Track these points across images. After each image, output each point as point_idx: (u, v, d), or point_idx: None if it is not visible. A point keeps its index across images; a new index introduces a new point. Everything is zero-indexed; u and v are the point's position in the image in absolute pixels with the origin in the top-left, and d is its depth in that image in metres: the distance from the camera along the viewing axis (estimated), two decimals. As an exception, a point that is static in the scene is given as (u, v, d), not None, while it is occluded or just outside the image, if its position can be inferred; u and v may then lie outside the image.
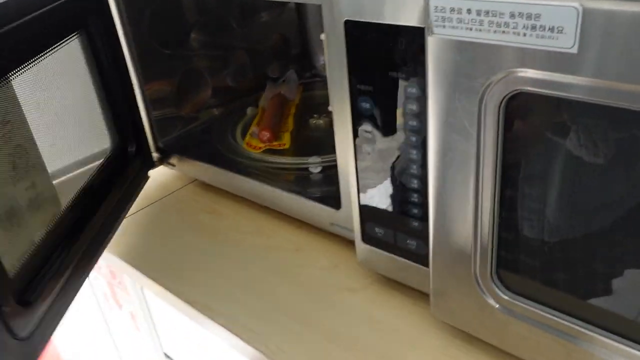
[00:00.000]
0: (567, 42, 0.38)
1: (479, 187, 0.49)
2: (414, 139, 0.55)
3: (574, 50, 0.38)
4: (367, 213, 0.64)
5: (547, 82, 0.40)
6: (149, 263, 0.78)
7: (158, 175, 0.99)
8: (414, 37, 0.49)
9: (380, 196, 0.62)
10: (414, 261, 0.62)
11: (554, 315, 0.50)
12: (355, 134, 0.60)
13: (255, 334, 0.64)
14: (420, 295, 0.66)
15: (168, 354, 0.97)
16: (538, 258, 0.50)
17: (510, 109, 0.44)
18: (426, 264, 0.61)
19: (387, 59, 0.53)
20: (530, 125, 0.45)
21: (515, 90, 0.43)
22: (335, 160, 0.66)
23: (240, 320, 0.66)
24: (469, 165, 0.48)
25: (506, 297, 0.52)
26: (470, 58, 0.44)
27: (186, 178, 0.98)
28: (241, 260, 0.77)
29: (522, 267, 0.51)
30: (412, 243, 0.61)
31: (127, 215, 0.86)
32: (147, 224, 0.88)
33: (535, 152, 0.45)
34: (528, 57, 0.40)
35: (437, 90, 0.47)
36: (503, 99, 0.44)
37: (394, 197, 0.60)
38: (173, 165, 0.94)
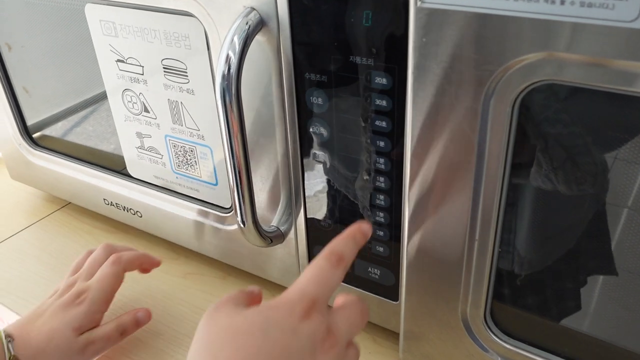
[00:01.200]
0: (628, 13, 0.27)
1: (477, 206, 0.37)
2: (382, 144, 0.42)
3: (637, 24, 0.27)
4: (315, 232, 0.51)
5: (590, 70, 0.29)
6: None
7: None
8: (389, 7, 0.37)
9: (331, 213, 0.49)
10: (376, 294, 0.50)
11: (566, 367, 0.39)
12: (303, 133, 0.46)
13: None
14: (383, 331, 0.54)
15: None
16: (550, 295, 0.39)
17: (527, 106, 0.33)
18: (393, 298, 0.49)
19: (346, 39, 0.40)
20: (553, 129, 0.33)
21: (540, 81, 0.31)
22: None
23: None
24: (464, 178, 0.37)
25: (507, 346, 0.41)
26: (477, 37, 0.32)
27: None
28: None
29: (528, 306, 0.40)
30: (374, 272, 0.49)
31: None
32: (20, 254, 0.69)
33: (560, 163, 0.34)
34: (564, 34, 0.29)
35: (422, 81, 0.35)
36: (520, 94, 0.32)
37: (351, 215, 0.47)
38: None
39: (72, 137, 0.69)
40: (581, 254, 0.38)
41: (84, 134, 0.68)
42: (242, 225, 0.48)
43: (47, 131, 0.72)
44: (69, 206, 0.78)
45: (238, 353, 0.31)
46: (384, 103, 0.40)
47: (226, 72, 0.42)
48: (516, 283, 0.40)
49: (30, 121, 0.72)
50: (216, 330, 0.33)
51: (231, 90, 0.42)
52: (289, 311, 0.33)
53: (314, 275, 0.35)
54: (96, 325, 0.53)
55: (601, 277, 0.38)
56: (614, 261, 0.36)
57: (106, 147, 0.65)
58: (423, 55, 0.34)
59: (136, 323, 0.55)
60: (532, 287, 0.41)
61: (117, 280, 0.55)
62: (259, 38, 0.44)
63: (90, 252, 0.58)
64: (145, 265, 0.59)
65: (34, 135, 0.73)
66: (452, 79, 0.33)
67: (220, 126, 0.43)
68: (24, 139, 0.72)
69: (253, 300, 0.38)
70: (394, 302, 0.49)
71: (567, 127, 0.33)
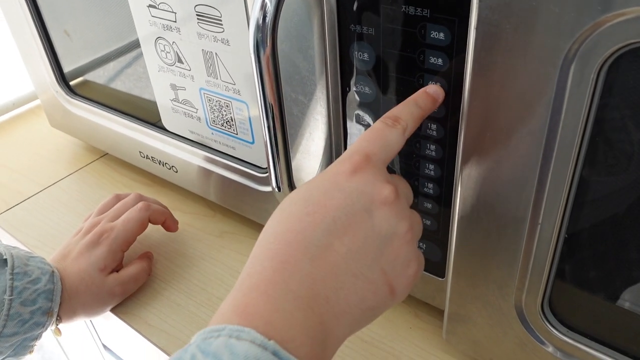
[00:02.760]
0: None
1: (543, 187, 0.32)
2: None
3: None
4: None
5: None
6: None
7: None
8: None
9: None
10: (420, 268, 0.46)
11: (634, 368, 0.35)
12: (346, 92, 0.42)
13: None
14: (425, 306, 0.50)
15: (107, 346, 0.81)
16: (619, 283, 0.34)
17: (617, 74, 0.27)
18: (439, 274, 0.45)
19: (400, -15, 0.34)
20: (646, 101, 0.27)
21: (637, 42, 0.25)
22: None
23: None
24: (530, 154, 0.31)
25: (565, 338, 0.37)
26: (560, -15, 0.26)
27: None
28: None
29: (592, 295, 0.36)
30: (420, 245, 0.45)
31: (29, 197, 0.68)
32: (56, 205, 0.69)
33: (649, 145, 0.28)
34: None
35: (486, 38, 0.29)
36: (608, 58, 0.26)
37: (396, 185, 0.43)
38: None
39: (109, 85, 0.67)
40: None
41: (120, 83, 0.65)
42: (276, 190, 0.44)
43: (85, 79, 0.69)
44: (107, 156, 0.77)
45: (284, 225, 0.30)
46: (439, 62, 0.35)
47: (261, 21, 0.37)
48: (580, 271, 0.35)
49: (68, 67, 0.70)
50: (275, 213, 0.31)
51: (266, 42, 0.37)
52: (336, 170, 0.31)
53: (367, 134, 0.33)
54: (119, 263, 0.53)
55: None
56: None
57: (142, 97, 0.62)
58: (489, 7, 0.28)
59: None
60: (598, 274, 0.36)
61: (141, 225, 0.55)
62: (299, -17, 0.39)
63: (118, 196, 0.58)
64: (169, 223, 0.58)
65: (72, 83, 0.71)
66: (524, 38, 0.28)
67: (254, 81, 0.39)
68: (60, 86, 0.70)
69: None
70: (440, 279, 0.45)
71: (663, 98, 0.28)
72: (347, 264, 0.29)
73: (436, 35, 0.34)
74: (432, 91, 0.35)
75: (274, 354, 0.25)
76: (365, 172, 0.31)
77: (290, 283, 0.28)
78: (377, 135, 0.32)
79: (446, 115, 0.37)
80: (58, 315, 0.49)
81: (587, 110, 0.28)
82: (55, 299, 0.48)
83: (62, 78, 0.70)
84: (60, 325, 0.51)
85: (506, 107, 0.31)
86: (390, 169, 0.43)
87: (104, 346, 0.81)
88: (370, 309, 0.30)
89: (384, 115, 0.34)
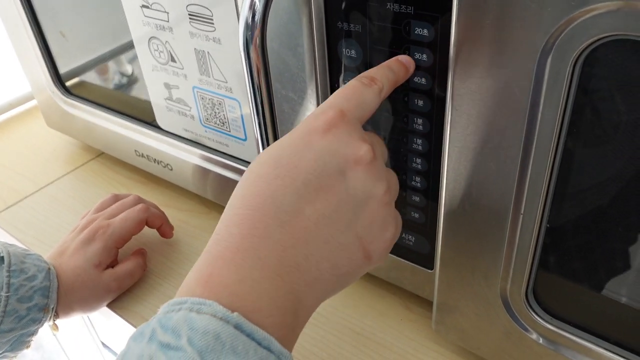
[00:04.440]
0: None
1: (524, 177, 0.33)
2: (420, 102, 0.38)
3: None
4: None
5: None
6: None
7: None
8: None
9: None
10: (410, 260, 0.47)
11: (617, 352, 0.36)
12: (335, 88, 0.43)
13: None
14: (416, 298, 0.51)
15: (106, 344, 0.82)
16: (601, 272, 0.35)
17: (591, 66, 0.28)
18: (427, 266, 0.46)
19: (384, -17, 0.35)
20: (618, 92, 0.28)
21: (610, 35, 0.26)
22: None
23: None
24: (511, 146, 0.32)
25: (549, 326, 0.37)
26: (535, -19, 0.27)
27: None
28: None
29: (574, 283, 0.37)
30: (409, 238, 0.46)
31: (27, 196, 0.69)
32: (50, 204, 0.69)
33: (624, 130, 0.29)
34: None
35: (467, 33, 0.30)
36: (583, 51, 0.27)
37: (386, 179, 0.44)
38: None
39: (104, 86, 0.67)
40: (636, 214, 0.33)
41: (115, 83, 0.66)
42: (268, 186, 0.45)
43: (80, 79, 0.70)
44: (103, 155, 0.78)
45: (253, 188, 0.28)
46: (424, 57, 0.36)
47: (250, 19, 0.38)
48: (563, 260, 0.36)
49: (64, 68, 0.70)
50: (245, 174, 0.30)
51: (255, 40, 0.38)
52: (308, 127, 0.29)
53: (342, 91, 0.31)
54: (114, 260, 0.54)
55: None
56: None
57: (138, 97, 0.63)
58: (469, 3, 0.29)
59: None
60: (580, 262, 0.37)
61: (138, 225, 0.55)
62: (287, -18, 0.39)
63: (116, 196, 0.59)
64: (165, 228, 0.59)
65: (68, 83, 0.72)
66: (503, 32, 0.29)
67: (245, 79, 0.40)
68: (56, 86, 0.71)
69: None
70: (429, 271, 0.46)
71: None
72: (319, 230, 0.27)
73: (420, 31, 0.35)
74: (405, 60, 0.35)
75: (237, 327, 0.23)
76: (340, 129, 0.28)
77: (258, 250, 0.26)
78: (353, 92, 0.30)
79: (432, 109, 0.38)
80: (55, 311, 0.50)
81: (564, 103, 0.29)
82: (51, 295, 0.49)
83: (58, 79, 0.71)
84: (58, 321, 0.52)
85: (488, 101, 0.32)
86: (379, 164, 0.44)
87: (103, 344, 0.82)
88: (344, 275, 0.28)
89: (359, 75, 0.32)
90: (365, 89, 0.31)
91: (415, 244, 0.46)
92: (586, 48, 0.27)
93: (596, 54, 0.27)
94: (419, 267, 0.47)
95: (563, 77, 0.28)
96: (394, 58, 0.35)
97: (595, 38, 0.26)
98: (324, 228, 0.27)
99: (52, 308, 0.49)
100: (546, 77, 0.29)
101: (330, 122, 0.28)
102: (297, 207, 0.27)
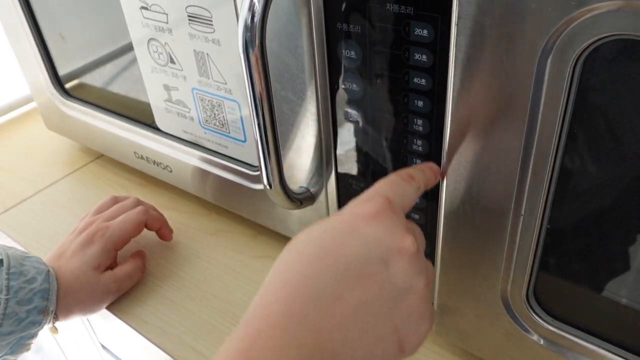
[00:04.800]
0: None
1: (524, 179, 0.33)
2: (420, 103, 0.38)
3: None
4: (347, 195, 0.48)
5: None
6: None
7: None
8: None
9: (364, 175, 0.45)
10: (410, 262, 0.47)
11: (618, 353, 0.36)
12: (335, 89, 0.43)
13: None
14: (416, 300, 0.51)
15: (105, 346, 0.82)
16: (602, 273, 0.35)
17: (592, 66, 0.28)
18: (428, 267, 0.46)
19: (384, -16, 0.35)
20: (619, 92, 0.28)
21: (611, 35, 0.26)
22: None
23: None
24: (511, 147, 0.32)
25: (550, 327, 0.37)
26: (535, -19, 0.27)
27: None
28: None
29: (575, 284, 0.36)
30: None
31: (26, 198, 0.69)
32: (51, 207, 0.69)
33: (625, 130, 0.29)
34: (645, -21, 0.24)
35: (467, 34, 0.30)
36: (583, 51, 0.27)
37: (382, 177, 0.44)
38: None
39: (104, 87, 0.67)
40: (637, 215, 0.33)
41: (115, 85, 0.66)
42: (267, 187, 0.45)
43: (80, 81, 0.70)
44: (103, 158, 0.78)
45: (294, 267, 0.28)
46: (423, 58, 0.36)
47: (249, 21, 0.38)
48: (564, 261, 0.36)
49: (64, 70, 0.70)
50: (285, 251, 0.29)
51: (255, 41, 0.38)
52: (355, 212, 0.29)
53: (386, 182, 0.31)
54: (112, 262, 0.54)
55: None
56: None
57: (137, 98, 0.63)
58: (469, 3, 0.29)
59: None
60: (581, 264, 0.37)
61: (137, 228, 0.55)
62: (286, -17, 0.39)
63: (115, 198, 0.59)
64: (164, 231, 0.59)
65: (67, 85, 0.72)
66: (503, 32, 0.29)
67: (244, 80, 0.40)
68: (55, 88, 0.71)
69: None
70: (429, 272, 0.46)
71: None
72: (358, 317, 0.27)
73: (420, 32, 0.35)
74: (435, 168, 0.36)
75: None
76: (386, 217, 0.28)
77: (294, 331, 0.26)
78: (396, 184, 0.31)
79: (431, 110, 0.38)
80: (54, 314, 0.50)
81: (565, 103, 0.29)
82: (51, 298, 0.49)
83: (57, 81, 0.71)
84: (57, 323, 0.52)
85: (488, 101, 0.32)
86: (381, 167, 0.44)
87: (102, 346, 0.82)
88: None
89: (398, 171, 0.33)
90: (407, 183, 0.32)
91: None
92: (586, 48, 0.27)
93: (597, 54, 0.27)
94: (419, 268, 0.47)
95: (564, 77, 0.28)
96: (425, 164, 0.37)
97: (596, 38, 0.26)
98: (364, 316, 0.27)
99: (52, 310, 0.49)
100: (546, 77, 0.29)
101: (378, 209, 0.29)
102: (337, 292, 0.27)
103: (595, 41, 0.26)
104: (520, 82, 0.30)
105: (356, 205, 0.30)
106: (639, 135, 0.30)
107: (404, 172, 0.33)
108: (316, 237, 0.29)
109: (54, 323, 0.51)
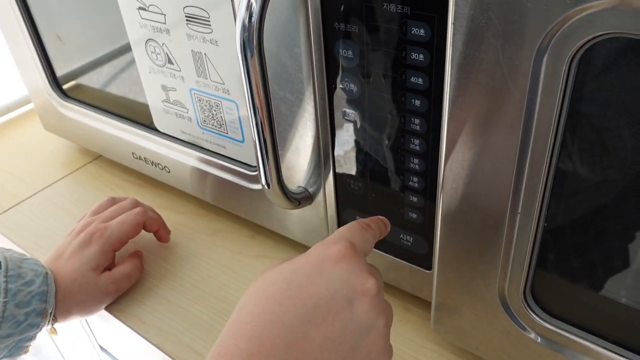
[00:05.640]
0: None
1: (521, 177, 0.33)
2: (417, 102, 0.38)
3: None
4: (345, 195, 0.48)
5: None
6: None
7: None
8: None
9: (362, 175, 0.45)
10: (408, 261, 0.47)
11: (615, 351, 0.36)
12: (332, 89, 0.43)
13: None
14: (414, 299, 0.51)
15: (104, 347, 0.82)
16: (599, 271, 0.35)
17: (587, 65, 0.28)
18: (426, 266, 0.46)
19: (381, -16, 0.35)
20: (615, 90, 0.28)
21: (606, 33, 0.26)
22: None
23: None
24: (508, 145, 0.32)
25: (548, 325, 0.38)
26: (530, -20, 0.27)
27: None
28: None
29: (573, 282, 0.37)
30: (407, 239, 0.46)
31: (24, 199, 0.69)
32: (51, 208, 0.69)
33: (621, 128, 0.29)
34: (639, -23, 0.24)
35: (463, 33, 0.30)
36: (579, 50, 0.27)
37: (383, 179, 0.44)
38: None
39: (102, 89, 0.67)
40: (632, 213, 0.33)
41: (112, 86, 0.66)
42: (266, 187, 0.45)
43: (77, 82, 0.70)
44: (101, 158, 0.78)
45: (260, 307, 0.29)
46: (420, 57, 0.36)
47: (247, 21, 0.38)
48: (560, 259, 0.36)
49: (62, 71, 0.70)
50: (253, 289, 0.31)
51: (252, 41, 0.38)
52: (321, 254, 0.31)
53: (348, 228, 0.34)
54: (111, 262, 0.54)
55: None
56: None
57: (135, 99, 0.63)
58: (465, 2, 0.29)
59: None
60: (577, 262, 0.37)
61: (135, 229, 0.55)
62: (283, -17, 0.40)
63: (112, 199, 0.59)
64: (162, 232, 0.59)
65: (65, 86, 0.72)
66: (499, 31, 0.29)
67: (242, 80, 0.40)
68: (53, 89, 0.71)
69: None
70: (427, 271, 0.46)
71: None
72: (322, 354, 0.29)
73: (417, 31, 0.35)
74: (385, 220, 0.40)
75: None
76: (351, 260, 0.31)
77: None
78: (358, 230, 0.34)
79: (429, 109, 0.38)
80: (53, 315, 0.50)
81: (561, 101, 0.29)
82: (49, 300, 0.49)
83: (55, 82, 0.71)
84: (56, 325, 0.52)
85: (485, 100, 0.32)
86: (381, 157, 0.44)
87: (101, 347, 0.82)
88: None
89: (357, 221, 0.36)
90: (366, 231, 0.35)
91: (413, 244, 0.46)
92: (582, 47, 0.27)
93: (592, 52, 0.28)
94: (417, 267, 0.47)
95: (559, 75, 0.28)
96: (377, 218, 0.40)
97: (591, 36, 0.26)
98: (329, 352, 0.29)
99: (50, 312, 0.49)
100: (542, 75, 0.29)
101: (344, 252, 0.31)
102: (304, 329, 0.29)
103: (591, 39, 0.27)
104: (516, 80, 0.30)
105: (323, 247, 0.32)
106: (635, 133, 0.30)
107: (362, 221, 0.36)
108: (284, 277, 0.30)
109: (52, 324, 0.51)
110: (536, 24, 0.27)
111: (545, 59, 0.28)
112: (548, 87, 0.29)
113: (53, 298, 0.49)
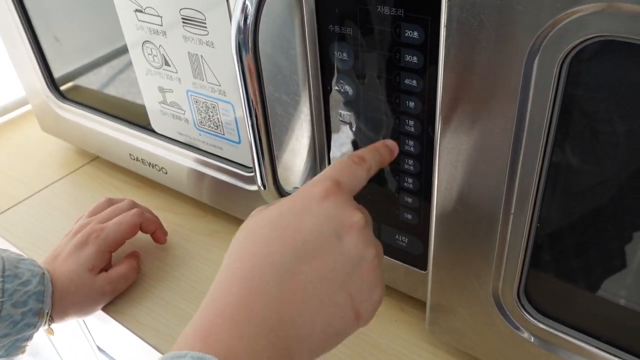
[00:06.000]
0: None
1: (514, 177, 0.33)
2: (412, 104, 0.38)
3: None
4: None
5: (657, 25, 0.24)
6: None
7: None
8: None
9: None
10: (404, 262, 0.47)
11: (609, 351, 0.36)
12: (327, 91, 0.43)
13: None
14: (410, 299, 0.51)
15: (102, 348, 0.82)
16: (592, 271, 0.35)
17: (578, 67, 0.28)
18: (421, 267, 0.47)
19: (375, -14, 0.35)
20: (605, 92, 0.29)
21: (595, 36, 0.26)
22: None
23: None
24: (500, 146, 0.33)
25: (541, 325, 0.38)
26: (521, -17, 0.27)
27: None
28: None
29: (566, 282, 0.37)
30: (402, 240, 0.46)
31: (22, 200, 0.69)
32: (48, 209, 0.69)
33: (610, 129, 0.29)
34: (628, -19, 0.24)
35: (455, 35, 0.31)
36: (569, 53, 0.28)
37: (378, 180, 0.44)
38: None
39: (99, 90, 0.68)
40: (625, 213, 0.34)
41: (110, 87, 0.66)
42: (262, 188, 0.45)
43: (75, 83, 0.70)
44: (98, 159, 0.78)
45: (248, 250, 0.30)
46: (414, 59, 0.36)
47: (242, 23, 0.38)
48: (553, 259, 0.37)
49: (59, 72, 0.71)
50: (240, 234, 0.32)
51: (248, 43, 0.39)
52: (307, 194, 0.31)
53: (337, 165, 0.34)
54: (107, 263, 0.54)
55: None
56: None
57: (132, 101, 0.63)
58: (457, 5, 0.30)
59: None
60: (572, 261, 0.37)
61: (132, 230, 0.56)
62: (279, -15, 0.40)
63: (110, 200, 0.59)
64: (159, 234, 0.59)
65: (62, 88, 0.72)
66: (491, 34, 0.29)
67: (237, 82, 0.40)
68: (51, 91, 0.71)
69: None
70: (422, 272, 0.46)
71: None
72: (315, 288, 0.29)
73: (411, 34, 0.36)
74: (390, 144, 0.38)
75: None
76: (336, 196, 0.31)
77: (255, 307, 0.28)
78: (347, 166, 0.34)
79: (423, 111, 0.38)
80: (50, 316, 0.50)
81: (552, 103, 0.30)
82: (46, 300, 0.49)
83: (53, 83, 0.71)
84: (53, 325, 0.52)
85: (477, 101, 0.32)
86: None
87: (99, 348, 0.82)
88: (335, 334, 0.30)
89: (351, 154, 0.35)
90: (356, 167, 0.34)
91: (408, 245, 0.46)
92: (572, 49, 0.27)
93: (583, 55, 0.28)
94: (412, 268, 0.47)
95: (550, 78, 0.29)
96: (381, 142, 0.38)
97: (581, 39, 0.27)
98: (320, 287, 0.29)
99: (47, 313, 0.49)
100: (534, 78, 0.29)
101: (329, 190, 0.31)
102: (295, 267, 0.29)
103: (581, 42, 0.27)
104: (508, 82, 0.30)
105: (309, 187, 0.32)
106: (627, 134, 0.30)
107: (355, 154, 0.35)
108: (271, 218, 0.31)
109: (49, 325, 0.51)
110: (527, 27, 0.28)
111: (536, 62, 0.28)
112: (540, 89, 0.29)
113: (50, 298, 0.49)
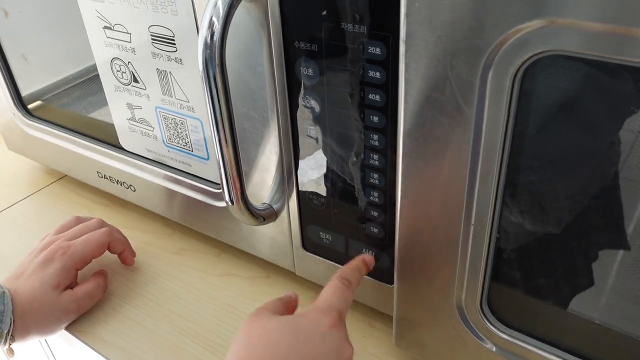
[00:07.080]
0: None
1: (473, 188, 0.34)
2: (375, 119, 0.39)
3: (655, -14, 0.23)
4: (308, 211, 0.49)
5: (598, 39, 0.26)
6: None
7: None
8: (381, -30, 0.33)
9: (325, 191, 0.46)
10: (371, 276, 0.48)
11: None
12: (294, 106, 0.44)
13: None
14: (378, 314, 0.52)
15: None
16: (553, 278, 0.36)
17: (530, 81, 0.30)
18: (388, 281, 0.47)
19: (336, 3, 0.36)
20: (556, 105, 0.30)
21: (544, 52, 0.28)
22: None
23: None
24: (460, 158, 0.34)
25: (504, 335, 0.38)
26: (474, 1, 0.28)
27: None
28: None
29: (528, 293, 0.38)
30: (369, 254, 0.47)
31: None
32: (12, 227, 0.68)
33: (563, 140, 0.31)
34: (572, -2, 0.25)
35: (414, 51, 0.32)
36: (521, 66, 0.29)
37: (344, 194, 0.45)
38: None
39: (67, 108, 0.67)
40: (590, 228, 0.35)
41: (78, 105, 0.66)
42: (229, 204, 0.46)
43: (43, 101, 0.70)
44: (66, 178, 0.77)
45: (271, 350, 0.36)
46: (377, 75, 0.37)
47: (209, 39, 0.39)
48: (514, 270, 0.37)
49: (26, 91, 0.70)
50: (253, 332, 0.37)
51: (214, 59, 0.39)
52: (318, 320, 0.38)
53: (335, 290, 0.40)
54: (73, 281, 0.53)
55: (615, 257, 0.35)
56: (626, 235, 0.33)
57: (101, 118, 0.63)
58: (415, 22, 0.31)
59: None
60: (532, 273, 0.38)
61: (100, 249, 0.55)
62: (245, 2, 0.41)
63: (78, 218, 0.58)
64: (127, 254, 0.58)
65: (29, 106, 0.71)
66: (447, 49, 0.30)
67: (204, 98, 0.41)
68: (18, 109, 0.70)
69: (290, 306, 0.43)
70: (389, 286, 0.47)
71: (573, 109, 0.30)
72: None
73: (373, 50, 0.37)
74: (368, 260, 0.45)
75: None
76: (340, 329, 0.38)
77: None
78: (342, 294, 0.40)
79: (386, 126, 0.39)
80: (11, 335, 0.49)
81: (507, 115, 0.31)
82: (4, 320, 0.48)
83: (20, 101, 0.71)
84: (14, 345, 0.50)
85: (436, 114, 0.33)
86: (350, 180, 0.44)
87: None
88: None
89: (340, 276, 0.41)
90: (347, 290, 0.41)
91: (375, 259, 0.46)
92: (524, 63, 0.29)
93: (534, 69, 0.29)
94: (379, 282, 0.47)
95: (504, 91, 0.30)
96: (360, 259, 0.45)
97: (529, 55, 0.28)
98: None
99: (7, 332, 0.48)
100: (488, 91, 0.30)
101: (335, 322, 0.38)
102: None
103: (530, 57, 0.28)
104: (465, 96, 0.31)
105: (320, 314, 0.38)
106: (579, 145, 0.31)
107: (343, 276, 0.42)
108: (291, 329, 0.37)
109: (10, 344, 0.50)
110: (480, 42, 0.29)
111: (490, 75, 0.30)
112: (494, 102, 0.30)
113: (9, 318, 0.48)
